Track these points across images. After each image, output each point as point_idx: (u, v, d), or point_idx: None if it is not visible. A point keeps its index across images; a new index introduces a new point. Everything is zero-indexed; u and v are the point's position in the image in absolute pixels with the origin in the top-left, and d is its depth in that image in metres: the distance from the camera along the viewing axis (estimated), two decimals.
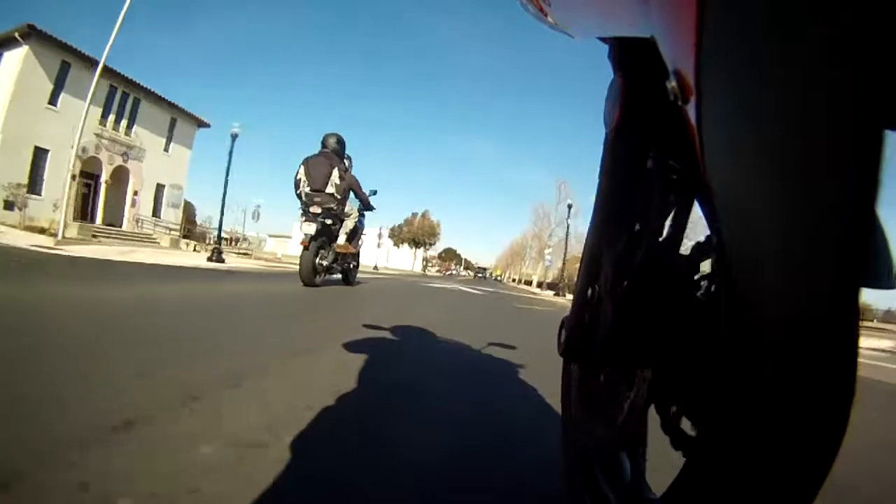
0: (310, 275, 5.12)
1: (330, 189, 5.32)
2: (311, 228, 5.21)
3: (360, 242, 6.34)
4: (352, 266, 6.09)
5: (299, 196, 5.44)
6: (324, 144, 5.66)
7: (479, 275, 69.45)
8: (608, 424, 0.56)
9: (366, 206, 6.22)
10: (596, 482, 0.58)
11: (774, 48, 0.24)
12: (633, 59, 0.54)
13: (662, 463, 0.46)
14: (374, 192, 6.36)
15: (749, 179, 0.27)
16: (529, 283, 44.65)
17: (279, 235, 63.92)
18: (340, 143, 5.71)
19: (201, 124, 27.16)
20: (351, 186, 5.78)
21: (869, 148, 0.23)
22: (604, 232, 0.60)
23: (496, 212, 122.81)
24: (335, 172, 5.35)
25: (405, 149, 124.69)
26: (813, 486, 0.28)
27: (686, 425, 0.43)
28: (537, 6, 0.61)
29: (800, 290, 0.26)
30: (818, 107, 0.23)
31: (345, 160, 5.91)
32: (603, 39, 0.60)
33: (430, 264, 68.97)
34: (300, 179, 5.43)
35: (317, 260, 5.29)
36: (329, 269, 5.56)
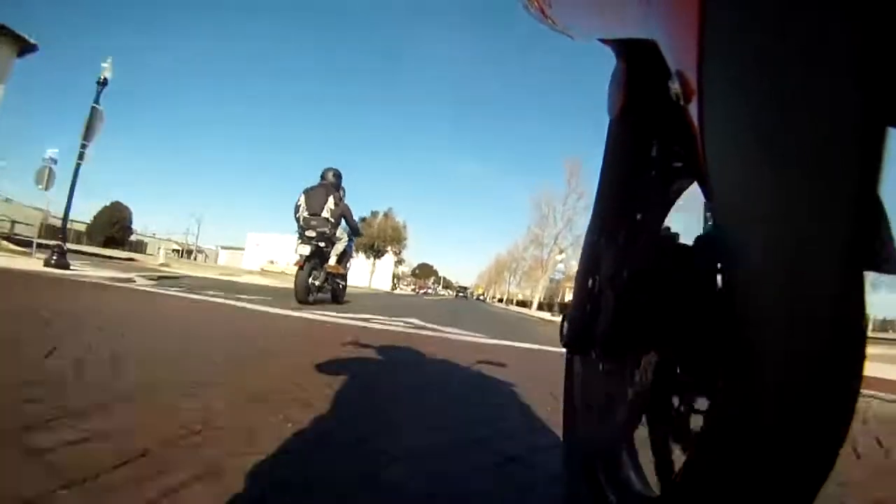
0: (304, 293, 5.56)
1: (325, 214, 5.84)
2: (307, 250, 5.68)
3: (348, 265, 6.83)
4: (340, 286, 6.55)
5: (297, 220, 5.95)
6: (323, 177, 6.29)
7: (461, 294, 66.52)
8: (609, 419, 0.55)
9: (355, 231, 6.74)
10: (596, 476, 0.58)
11: (776, 49, 0.25)
12: (635, 46, 0.54)
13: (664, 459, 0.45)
14: (363, 219, 6.92)
15: (751, 179, 0.27)
16: (524, 304, 35.04)
17: (233, 248, 54.24)
18: (337, 176, 6.36)
19: (26, 47, 14.98)
20: (343, 213, 6.31)
21: (871, 146, 0.23)
22: (605, 222, 0.60)
23: (476, 231, 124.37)
24: (331, 199, 5.89)
25: (381, 164, 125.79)
26: (815, 483, 0.28)
27: (687, 420, 0.44)
28: (538, 7, 0.61)
29: (801, 289, 0.26)
30: (821, 107, 0.24)
31: (340, 191, 6.49)
32: (604, 41, 0.60)
33: (401, 281, 60.33)
34: (300, 205, 5.96)
35: (310, 280, 5.74)
36: (321, 289, 6.01)
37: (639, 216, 0.56)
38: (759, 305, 0.28)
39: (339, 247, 6.13)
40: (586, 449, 0.63)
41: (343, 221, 6.35)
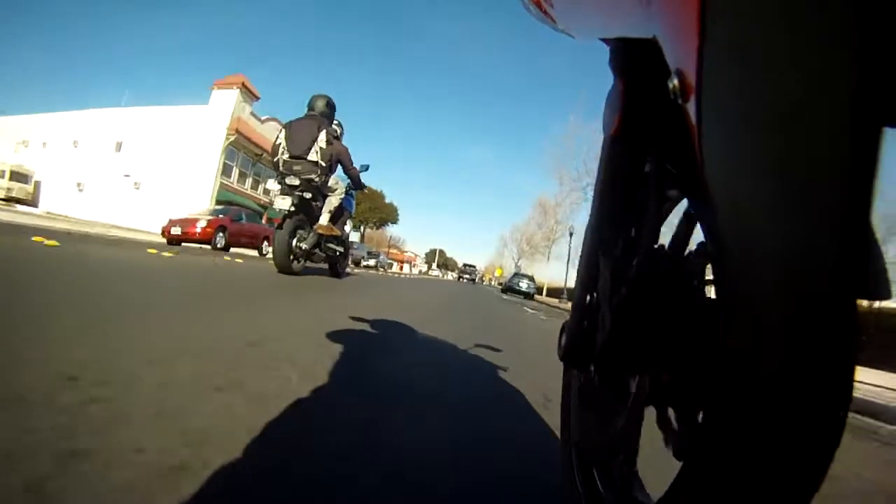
0: (285, 259, 4.14)
1: (313, 156, 4.34)
2: (286, 203, 4.23)
3: (347, 226, 5.37)
4: (338, 254, 5.11)
5: (276, 165, 4.46)
6: (310, 107, 4.71)
7: (467, 276, 42.13)
8: (606, 429, 0.54)
9: (355, 183, 5.25)
10: (594, 486, 0.58)
11: (775, 47, 0.24)
12: (632, 65, 0.53)
13: (660, 468, 0.46)
14: (366, 168, 5.39)
15: (748, 178, 0.27)
16: None
17: None
18: (330, 105, 4.76)
19: None
20: (339, 156, 4.80)
21: (868, 146, 0.23)
22: (601, 237, 0.60)
23: (487, 218, 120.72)
24: (322, 135, 4.37)
25: (388, 145, 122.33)
26: (809, 490, 0.28)
27: (683, 430, 0.43)
28: (539, 7, 0.60)
29: (799, 291, 0.25)
30: (818, 105, 0.23)
31: (335, 127, 4.96)
32: (604, 40, 0.59)
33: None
34: (279, 145, 4.46)
35: (294, 241, 4.30)
36: (310, 255, 4.58)
37: (634, 232, 0.57)
38: (753, 316, 0.28)
39: (332, 200, 4.65)
40: (583, 456, 0.63)
41: (339, 168, 4.88)
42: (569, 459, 0.67)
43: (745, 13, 0.25)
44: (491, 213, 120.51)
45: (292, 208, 4.31)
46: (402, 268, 47.52)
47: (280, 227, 4.18)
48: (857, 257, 0.24)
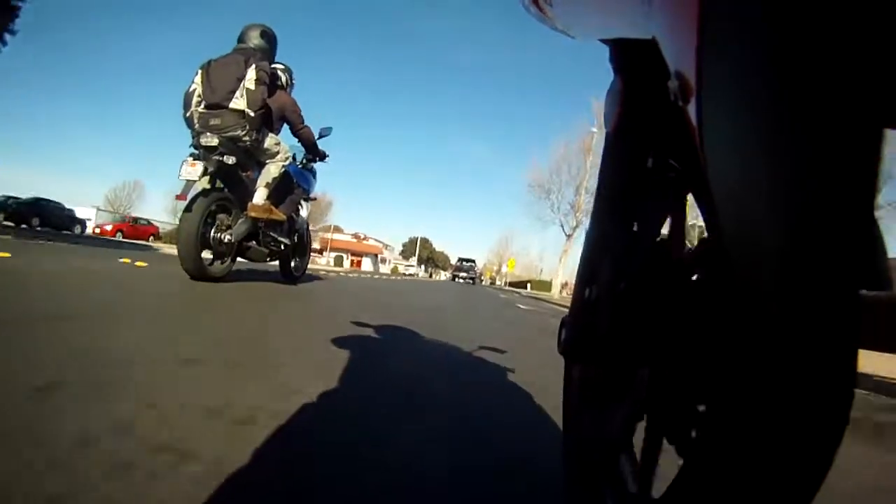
0: (196, 258, 2.74)
1: (238, 103, 2.92)
2: (196, 172, 2.80)
3: (302, 205, 3.96)
4: (283, 247, 3.69)
5: (188, 120, 3.02)
6: (240, 40, 3.26)
7: (464, 274, 31.81)
8: (608, 424, 0.55)
9: (309, 149, 3.84)
10: (595, 482, 0.58)
11: (775, 48, 0.24)
12: (632, 60, 0.54)
13: (662, 463, 0.45)
14: (328, 132, 3.98)
15: (750, 179, 0.27)
16: None
17: None
18: (267, 36, 3.31)
19: None
20: (282, 109, 3.39)
21: (869, 146, 0.23)
22: (603, 232, 0.60)
23: (480, 213, 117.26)
24: (250, 72, 2.94)
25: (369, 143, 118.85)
26: (812, 486, 0.28)
27: (684, 425, 0.43)
28: (538, 8, 0.60)
29: (800, 288, 0.26)
30: (819, 106, 0.23)
31: (279, 72, 3.50)
32: (604, 40, 0.59)
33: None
34: (192, 92, 3.00)
35: (212, 232, 2.91)
36: (243, 251, 3.19)
37: (636, 227, 0.57)
38: (754, 311, 0.28)
39: (271, 170, 3.22)
40: (585, 452, 0.63)
41: (284, 124, 3.47)
42: (570, 455, 0.67)
43: (745, 13, 0.25)
44: (488, 211, 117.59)
45: (209, 183, 2.90)
46: (357, 264, 32.71)
47: (189, 209, 2.77)
48: (859, 253, 0.24)
